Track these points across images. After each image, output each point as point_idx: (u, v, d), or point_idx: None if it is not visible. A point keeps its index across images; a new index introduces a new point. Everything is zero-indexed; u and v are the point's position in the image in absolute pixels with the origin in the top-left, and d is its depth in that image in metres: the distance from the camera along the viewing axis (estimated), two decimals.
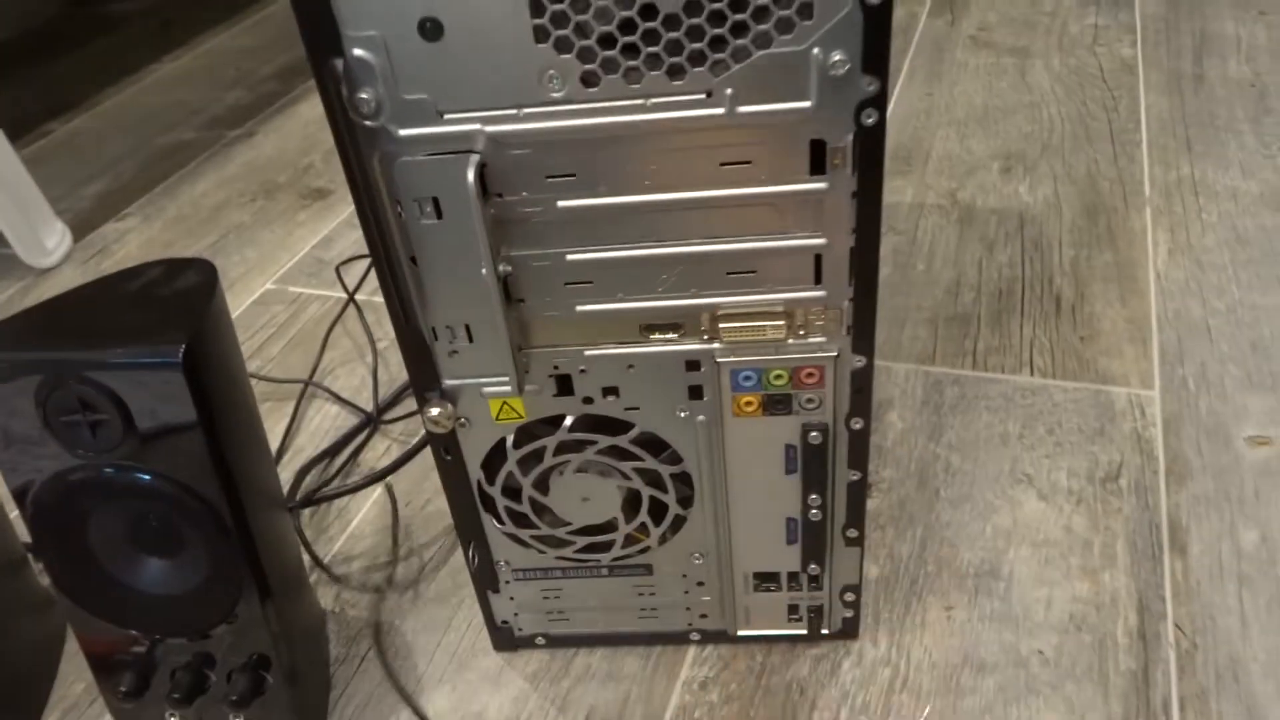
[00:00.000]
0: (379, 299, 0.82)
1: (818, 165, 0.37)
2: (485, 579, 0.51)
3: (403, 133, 0.36)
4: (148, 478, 0.42)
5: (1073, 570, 0.55)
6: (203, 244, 0.94)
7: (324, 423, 0.71)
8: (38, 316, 0.42)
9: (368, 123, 0.36)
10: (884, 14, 0.33)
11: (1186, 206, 0.84)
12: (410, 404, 0.72)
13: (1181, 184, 0.87)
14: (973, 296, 0.77)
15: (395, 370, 0.75)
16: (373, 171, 0.37)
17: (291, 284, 0.87)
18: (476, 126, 0.36)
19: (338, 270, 0.84)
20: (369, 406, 0.72)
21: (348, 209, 0.97)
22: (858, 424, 0.44)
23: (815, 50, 0.34)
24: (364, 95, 0.35)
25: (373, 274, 0.84)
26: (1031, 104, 1.01)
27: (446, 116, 0.36)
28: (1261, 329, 0.70)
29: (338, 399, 0.73)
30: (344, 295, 0.84)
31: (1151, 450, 0.62)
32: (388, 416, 0.71)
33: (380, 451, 0.69)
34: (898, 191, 0.90)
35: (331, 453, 0.68)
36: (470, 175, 0.36)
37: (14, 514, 0.57)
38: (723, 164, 0.37)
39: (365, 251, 0.88)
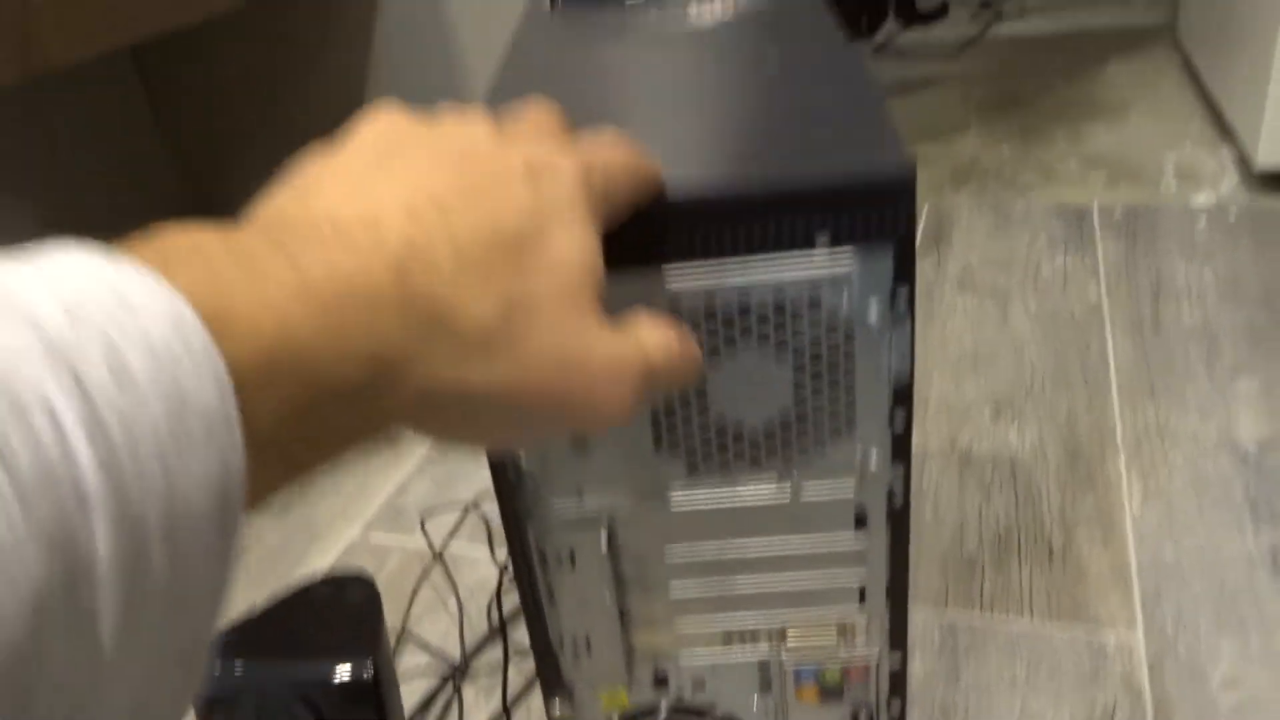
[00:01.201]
0: (454, 549, 0.94)
1: (860, 525, 0.49)
2: None
3: (554, 510, 0.48)
4: None
5: None
6: (291, 490, 1.05)
7: (414, 670, 0.81)
8: (241, 636, 0.53)
9: (529, 504, 0.48)
10: (905, 440, 0.46)
11: (1154, 450, 0.97)
12: (493, 654, 0.82)
13: (1149, 428, 1.00)
14: (976, 543, 0.88)
15: (475, 620, 0.86)
16: (527, 531, 0.49)
17: (373, 533, 0.98)
18: (608, 503, 0.48)
19: (422, 525, 0.95)
20: (455, 655, 0.82)
21: (417, 454, 1.09)
22: (896, 706, 0.55)
23: (857, 452, 0.47)
24: (526, 488, 0.48)
25: (460, 529, 0.96)
26: (1014, 347, 1.16)
27: (586, 498, 0.48)
28: (1226, 572, 0.82)
29: (426, 649, 0.83)
30: (422, 545, 0.95)
31: (1140, 692, 0.72)
32: (474, 664, 0.81)
33: (470, 699, 0.78)
34: None
35: (425, 704, 0.78)
36: (602, 540, 0.48)
37: None
38: (789, 524, 0.49)
39: (442, 500, 1.00)
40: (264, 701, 0.50)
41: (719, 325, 0.43)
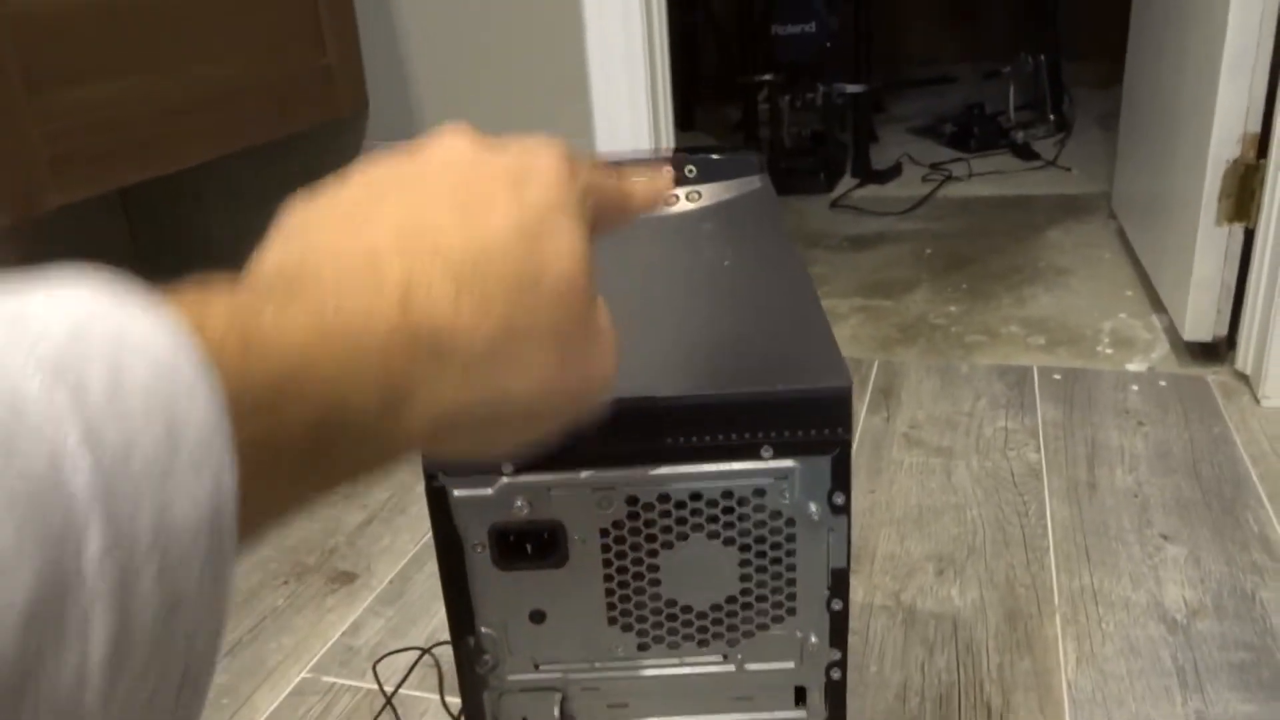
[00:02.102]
0: (404, 693, 0.94)
1: (800, 700, 0.52)
2: None
3: (510, 678, 0.51)
4: None
5: None
6: (244, 628, 1.06)
7: None
8: None
9: (487, 673, 0.51)
10: (843, 617, 0.50)
11: (1089, 615, 1.01)
12: None
13: (1084, 592, 1.04)
14: (918, 701, 0.91)
15: None
16: (485, 703, 0.51)
17: (324, 674, 0.99)
18: (560, 674, 0.51)
19: (374, 669, 0.96)
20: None
21: (371, 595, 1.10)
22: None
23: (798, 633, 0.50)
24: (486, 657, 0.50)
25: (411, 673, 0.97)
26: (957, 506, 1.21)
27: (541, 668, 0.51)
28: None
29: None
30: (374, 686, 0.95)
31: None
32: None
33: None
34: (851, 590, 1.06)
35: None
36: (555, 709, 0.51)
37: None
38: (733, 698, 0.52)
39: (395, 641, 1.01)
40: None
41: (671, 515, 0.47)
